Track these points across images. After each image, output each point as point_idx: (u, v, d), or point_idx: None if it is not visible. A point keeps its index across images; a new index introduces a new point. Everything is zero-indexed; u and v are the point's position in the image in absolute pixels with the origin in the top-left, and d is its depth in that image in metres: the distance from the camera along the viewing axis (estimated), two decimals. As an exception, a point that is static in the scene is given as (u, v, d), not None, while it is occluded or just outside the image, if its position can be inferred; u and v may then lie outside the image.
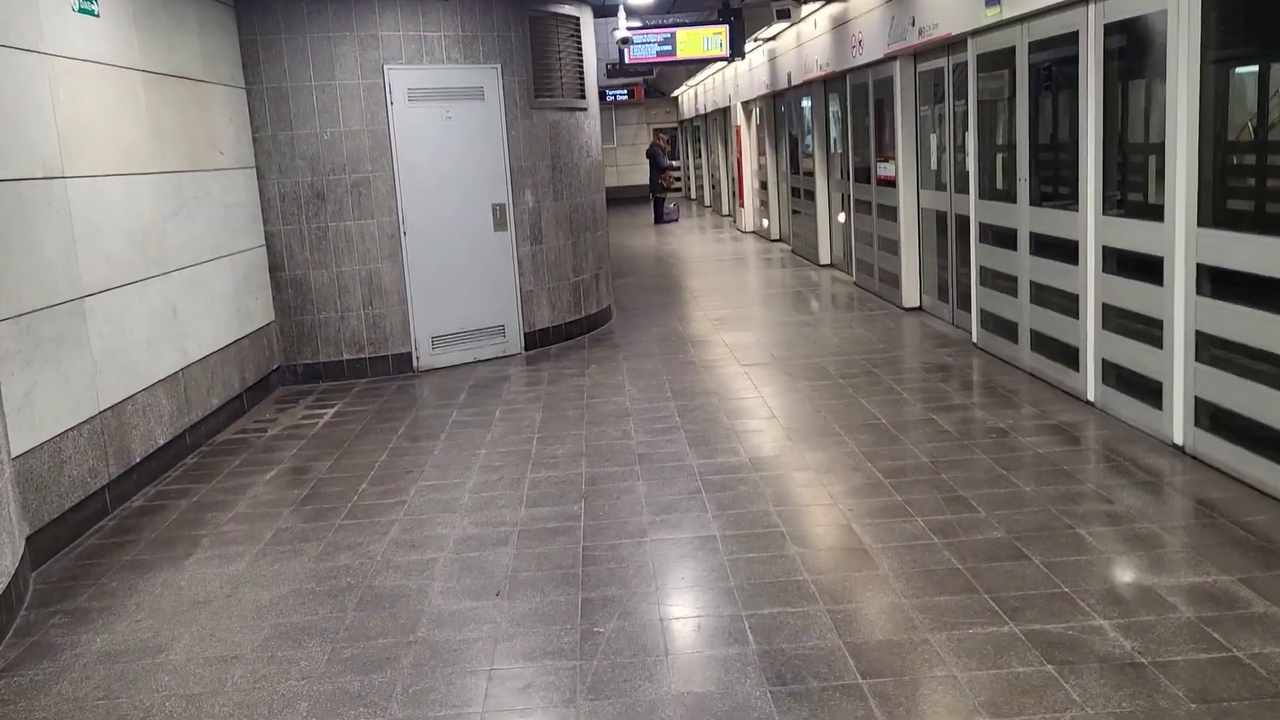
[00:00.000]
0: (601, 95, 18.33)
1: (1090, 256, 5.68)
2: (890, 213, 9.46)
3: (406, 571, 4.11)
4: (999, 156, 7.18)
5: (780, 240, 15.68)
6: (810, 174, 12.97)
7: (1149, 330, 5.18)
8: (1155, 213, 5.05)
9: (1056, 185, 6.35)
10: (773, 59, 13.98)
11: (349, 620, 3.70)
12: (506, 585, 3.92)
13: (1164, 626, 3.29)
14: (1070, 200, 5.93)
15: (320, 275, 7.63)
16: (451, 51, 7.82)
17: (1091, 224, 5.65)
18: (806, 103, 13.02)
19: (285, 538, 4.56)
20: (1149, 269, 5.10)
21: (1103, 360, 5.66)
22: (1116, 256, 5.49)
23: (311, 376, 7.70)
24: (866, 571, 3.84)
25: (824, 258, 12.72)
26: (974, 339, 7.53)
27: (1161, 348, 5.02)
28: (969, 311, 7.71)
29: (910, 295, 9.23)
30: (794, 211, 14.25)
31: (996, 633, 3.32)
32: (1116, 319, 5.54)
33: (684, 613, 3.63)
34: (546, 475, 5.21)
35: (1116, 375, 5.56)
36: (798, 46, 12.31)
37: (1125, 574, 3.69)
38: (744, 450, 5.42)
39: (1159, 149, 5.04)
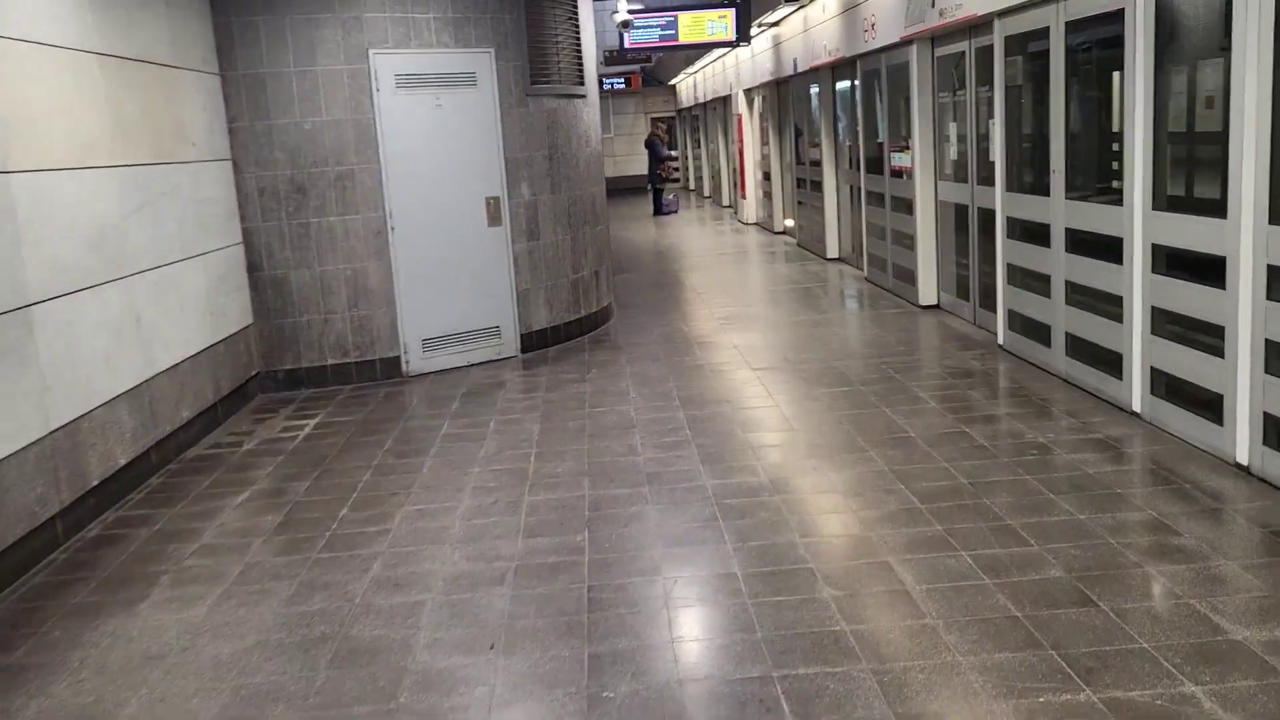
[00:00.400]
0: (599, 84, 17.76)
1: (1137, 255, 5.20)
2: (905, 205, 8.97)
3: (389, 618, 3.63)
4: (1029, 147, 6.69)
5: (784, 233, 15.18)
6: (817, 164, 12.47)
7: (1207, 337, 4.71)
8: (1217, 208, 4.58)
9: (1096, 177, 5.87)
10: (777, 45, 13.46)
11: (320, 681, 3.23)
12: (502, 636, 3.44)
13: (1267, 694, 2.83)
14: (1113, 194, 5.45)
15: (302, 275, 7.13)
16: (442, 35, 7.31)
17: (1139, 220, 5.17)
18: (813, 90, 12.51)
19: (254, 575, 4.08)
20: (1208, 270, 4.63)
21: (1151, 368, 5.19)
22: (1168, 255, 5.02)
23: (293, 383, 7.20)
24: (912, 621, 3.37)
25: (831, 251, 12.24)
26: (1000, 340, 7.05)
27: (1223, 356, 4.56)
28: (992, 311, 7.24)
29: (927, 293, 8.75)
30: (799, 203, 13.76)
31: (1072, 701, 2.85)
32: (1168, 324, 5.07)
33: (706, 672, 3.16)
34: (546, 498, 4.74)
35: (1167, 385, 5.09)
36: (804, 31, 11.80)
37: (1209, 625, 3.22)
38: (762, 468, 4.95)
39: (1220, 138, 4.56)
